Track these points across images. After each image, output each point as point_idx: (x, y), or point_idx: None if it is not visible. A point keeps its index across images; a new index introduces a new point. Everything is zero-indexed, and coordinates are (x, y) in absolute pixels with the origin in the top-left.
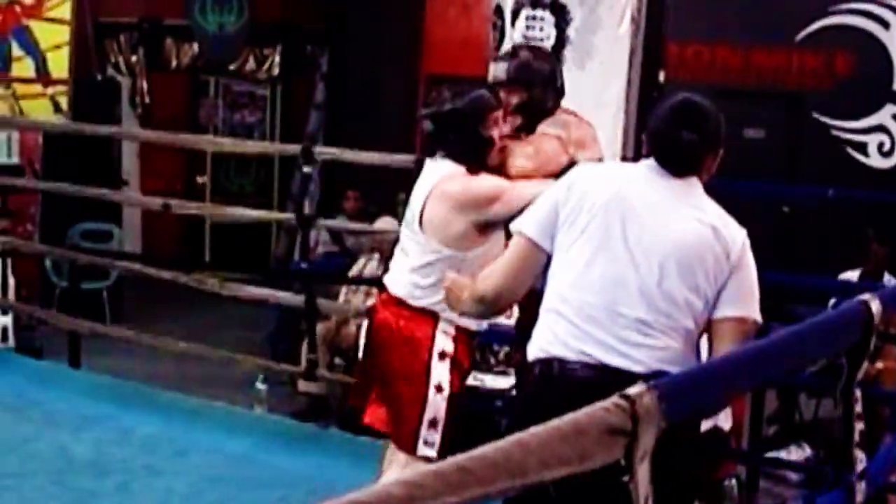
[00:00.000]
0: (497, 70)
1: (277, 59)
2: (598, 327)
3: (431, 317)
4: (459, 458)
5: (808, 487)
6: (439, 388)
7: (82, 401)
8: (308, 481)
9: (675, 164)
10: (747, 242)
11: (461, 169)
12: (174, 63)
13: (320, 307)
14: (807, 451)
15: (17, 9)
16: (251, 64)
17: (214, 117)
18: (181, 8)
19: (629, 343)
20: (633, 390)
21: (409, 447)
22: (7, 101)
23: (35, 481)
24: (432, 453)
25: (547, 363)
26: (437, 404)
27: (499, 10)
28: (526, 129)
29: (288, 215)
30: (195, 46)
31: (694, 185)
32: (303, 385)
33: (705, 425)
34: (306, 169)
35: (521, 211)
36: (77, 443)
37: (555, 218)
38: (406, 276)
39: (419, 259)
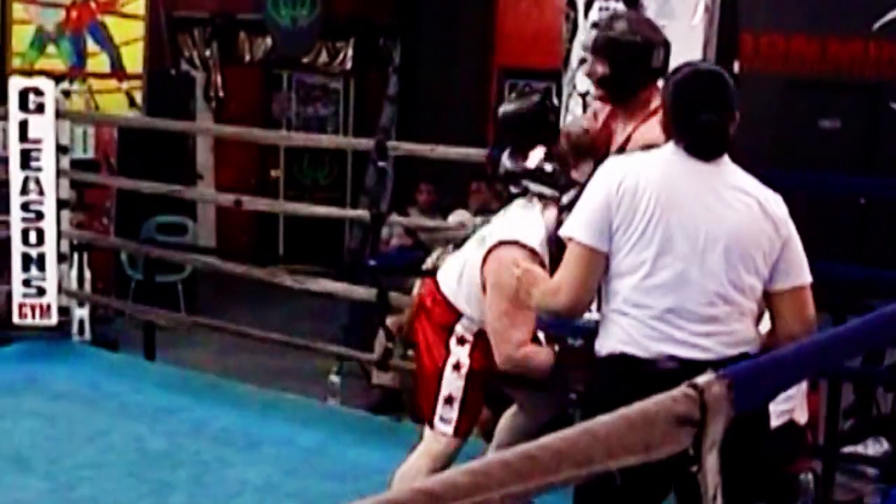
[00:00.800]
0: (587, 37)
1: (350, 52)
2: (670, 327)
3: (455, 314)
4: (526, 446)
5: (885, 482)
6: (457, 366)
7: (157, 393)
8: (382, 474)
9: (703, 150)
10: (786, 209)
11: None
12: (247, 57)
13: (392, 301)
14: (884, 446)
15: (93, 5)
16: (324, 57)
17: (288, 111)
18: (254, 2)
19: (701, 335)
20: (701, 379)
21: (430, 422)
22: (83, 97)
23: (111, 472)
24: (449, 430)
25: (622, 359)
26: (453, 382)
27: (572, 2)
28: (610, 102)
29: (360, 212)
30: (268, 40)
31: (726, 163)
32: (376, 377)
33: (781, 419)
34: (381, 163)
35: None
36: (152, 434)
37: (609, 219)
38: (453, 271)
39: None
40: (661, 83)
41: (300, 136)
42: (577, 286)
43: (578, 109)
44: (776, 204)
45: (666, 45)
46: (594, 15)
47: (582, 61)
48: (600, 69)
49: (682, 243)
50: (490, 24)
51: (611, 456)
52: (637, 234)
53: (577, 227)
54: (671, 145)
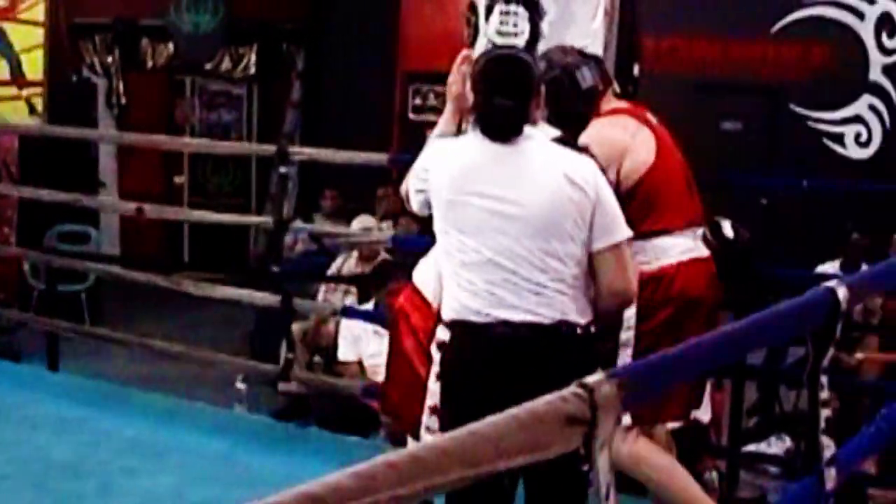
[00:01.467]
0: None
1: (254, 58)
2: (502, 293)
3: (435, 317)
4: (413, 447)
5: (788, 478)
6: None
7: (61, 403)
8: (288, 480)
9: (497, 132)
10: (596, 170)
11: None
12: (150, 63)
13: (297, 307)
14: (787, 443)
15: None
16: (227, 63)
17: (191, 117)
18: (157, 8)
19: (532, 302)
20: (591, 379)
21: (415, 433)
22: None
23: (15, 484)
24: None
25: (461, 325)
26: (435, 391)
27: (472, 6)
28: (577, 134)
29: (263, 219)
30: (171, 46)
31: (530, 138)
32: (283, 385)
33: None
34: (283, 169)
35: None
36: (57, 445)
37: (427, 199)
38: (430, 272)
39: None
40: (612, 97)
41: (203, 142)
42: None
43: None
44: (584, 168)
45: (595, 61)
46: (495, 19)
47: None
48: (540, 112)
49: (498, 222)
50: (394, 28)
51: (500, 456)
52: (447, 216)
53: (408, 179)
54: (476, 130)
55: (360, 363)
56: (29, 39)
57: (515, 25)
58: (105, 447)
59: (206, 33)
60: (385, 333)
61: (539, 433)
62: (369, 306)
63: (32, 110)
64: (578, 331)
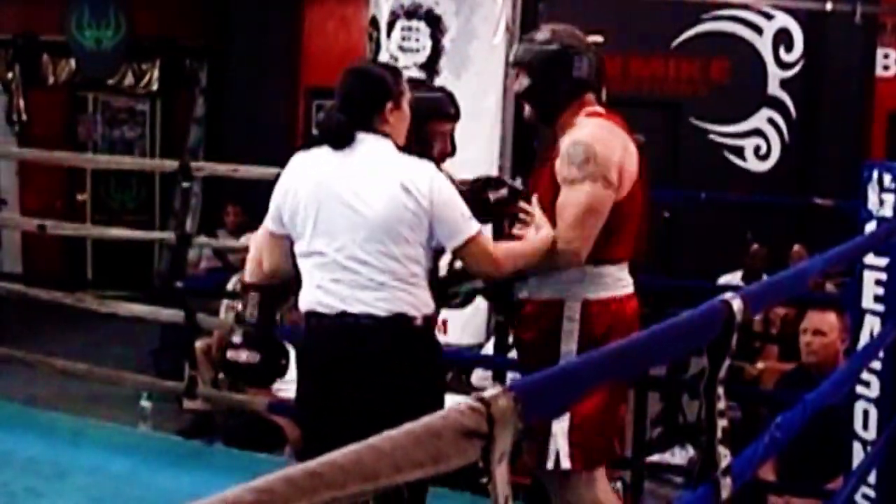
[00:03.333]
0: (512, 49)
1: (156, 73)
2: (346, 290)
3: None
4: (310, 463)
5: (691, 488)
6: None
7: None
8: (193, 498)
9: (333, 142)
10: (433, 175)
11: None
12: (51, 79)
13: (201, 323)
14: (690, 453)
15: None
16: (130, 79)
17: (94, 133)
18: (58, 23)
19: (371, 297)
20: (488, 393)
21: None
22: None
23: None
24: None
25: (313, 315)
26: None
27: (374, 22)
28: (538, 120)
29: (166, 234)
30: (72, 62)
31: (370, 147)
32: (188, 402)
33: None
34: (185, 185)
35: None
36: None
37: (281, 209)
38: None
39: None
40: (594, 100)
41: (105, 158)
42: (264, 258)
43: None
44: (419, 177)
45: (595, 55)
46: (396, 35)
47: None
48: (522, 82)
49: (335, 224)
50: (296, 44)
51: (398, 470)
52: (299, 223)
53: (266, 219)
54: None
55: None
56: None
57: (417, 41)
58: (6, 468)
59: (107, 49)
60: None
61: (436, 447)
62: None
63: None
64: (417, 322)
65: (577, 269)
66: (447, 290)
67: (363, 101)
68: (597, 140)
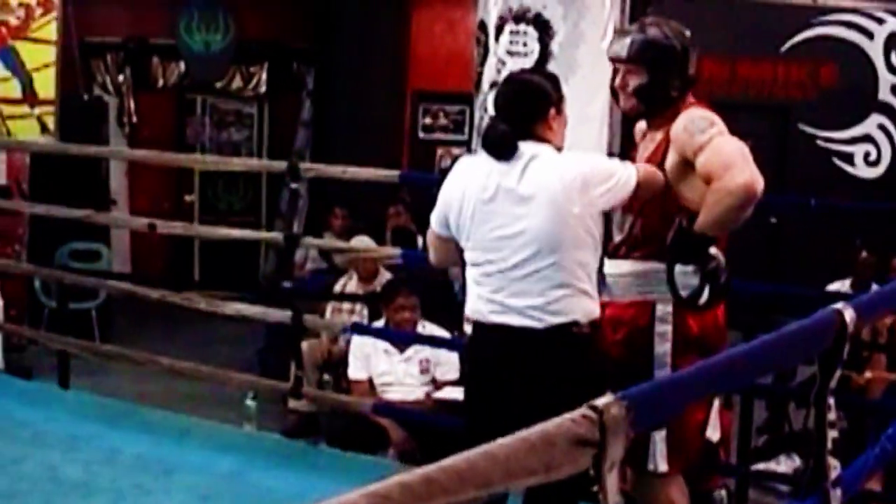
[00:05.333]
0: (617, 45)
1: (264, 76)
2: (507, 298)
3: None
4: (426, 468)
5: (796, 497)
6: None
7: (71, 421)
8: (297, 499)
9: (497, 153)
10: (580, 167)
11: None
12: (161, 82)
13: (307, 324)
14: (796, 462)
15: (3, 30)
16: (238, 82)
17: (201, 135)
18: (167, 27)
19: (537, 307)
20: (601, 401)
21: None
22: None
23: (25, 501)
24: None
25: (477, 325)
26: None
27: (482, 26)
28: (644, 115)
29: (274, 235)
30: (182, 65)
31: (531, 156)
32: (292, 402)
33: None
34: (293, 185)
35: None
36: (66, 463)
37: (446, 214)
38: None
39: None
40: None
41: (214, 158)
42: (436, 257)
43: None
44: (571, 178)
45: (697, 51)
46: (504, 39)
47: (493, 84)
48: (636, 79)
49: (499, 237)
50: (404, 47)
51: (511, 477)
52: (464, 232)
53: (433, 217)
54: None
55: (370, 381)
56: (41, 58)
57: (525, 45)
58: (115, 465)
59: (216, 52)
60: (395, 351)
61: (549, 455)
62: (380, 324)
63: (44, 129)
64: (584, 330)
65: (662, 266)
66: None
67: (526, 110)
68: (712, 114)
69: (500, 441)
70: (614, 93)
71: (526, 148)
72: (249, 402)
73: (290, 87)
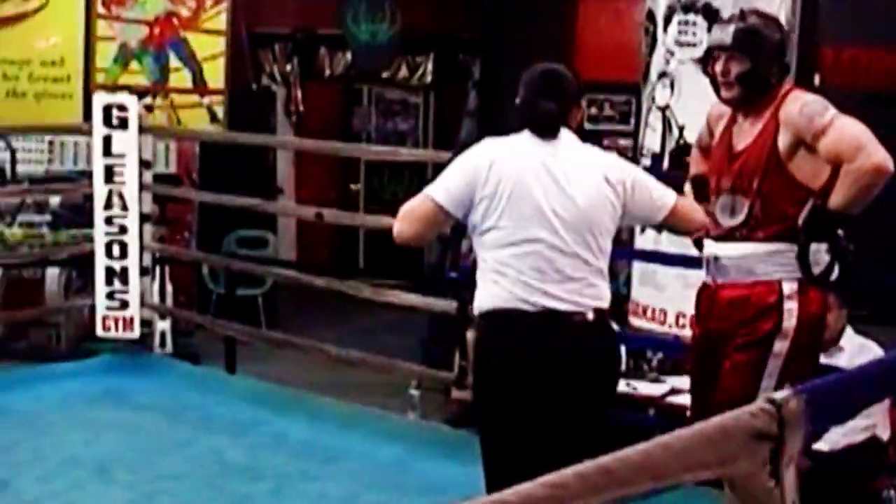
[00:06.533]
0: (721, 33)
1: (430, 66)
2: (542, 283)
3: None
4: (602, 459)
5: None
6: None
7: (237, 406)
8: (461, 488)
9: (542, 130)
10: (621, 161)
11: None
12: (328, 72)
13: (472, 314)
14: None
15: (175, 21)
16: (404, 72)
17: (367, 125)
18: (334, 18)
19: (567, 291)
20: (779, 395)
21: None
22: (165, 112)
23: (191, 484)
24: None
25: (504, 313)
26: None
27: (651, 16)
28: (743, 102)
29: None
30: (348, 55)
31: (569, 141)
32: (456, 392)
33: (863, 435)
34: None
35: None
36: (232, 447)
37: (472, 193)
38: None
39: None
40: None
41: (380, 148)
42: (417, 230)
43: (658, 124)
44: (615, 166)
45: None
46: (673, 29)
47: (661, 75)
48: (738, 66)
49: (546, 217)
50: (570, 38)
51: (686, 469)
52: (502, 210)
53: (438, 190)
54: (524, 132)
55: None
56: (210, 48)
57: (694, 35)
58: (279, 451)
59: (382, 42)
60: None
61: (726, 448)
62: None
63: (213, 118)
64: (608, 316)
65: (787, 246)
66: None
67: (570, 97)
68: (821, 97)
69: (676, 433)
70: (713, 81)
71: (563, 133)
72: (413, 391)
73: (455, 77)
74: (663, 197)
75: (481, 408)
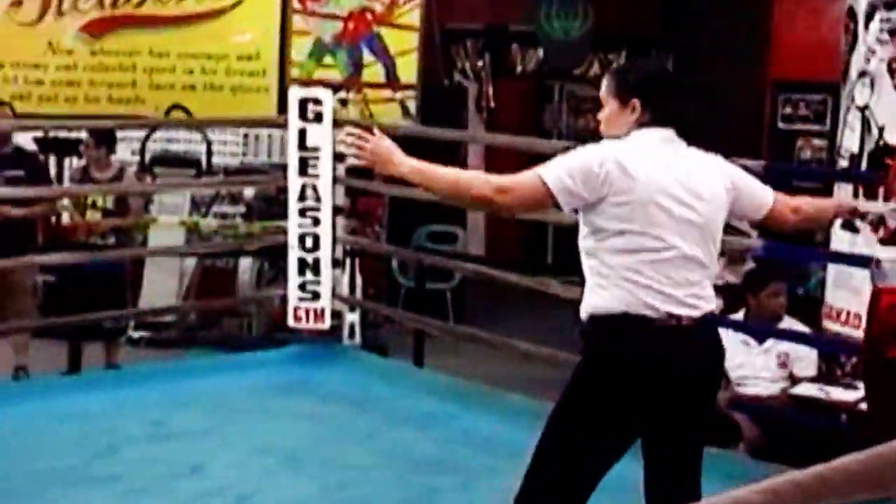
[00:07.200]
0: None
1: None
2: (670, 289)
3: None
4: (818, 467)
5: None
6: None
7: (425, 399)
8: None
9: (684, 131)
10: (723, 160)
11: None
12: (519, 68)
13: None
14: None
15: (369, 16)
16: (595, 69)
17: (558, 122)
18: (526, 14)
19: (689, 296)
20: None
21: None
22: (358, 106)
23: (379, 475)
24: None
25: (635, 319)
26: None
27: (851, 13)
28: None
29: None
30: (540, 52)
31: (681, 141)
32: None
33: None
34: None
35: None
36: (420, 440)
37: (590, 192)
38: None
39: None
40: None
41: (573, 144)
42: (517, 208)
43: (857, 123)
44: (725, 169)
45: None
46: (874, 26)
47: (861, 74)
48: None
49: (676, 221)
50: (765, 35)
51: None
52: (637, 212)
53: (552, 176)
54: (653, 133)
55: (724, 374)
56: (404, 43)
57: None
58: (467, 445)
59: (574, 39)
60: (754, 343)
61: None
62: (738, 316)
63: (405, 112)
64: (716, 318)
65: None
66: None
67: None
68: None
69: (893, 443)
70: None
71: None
72: None
73: None
74: (764, 195)
75: (594, 409)
